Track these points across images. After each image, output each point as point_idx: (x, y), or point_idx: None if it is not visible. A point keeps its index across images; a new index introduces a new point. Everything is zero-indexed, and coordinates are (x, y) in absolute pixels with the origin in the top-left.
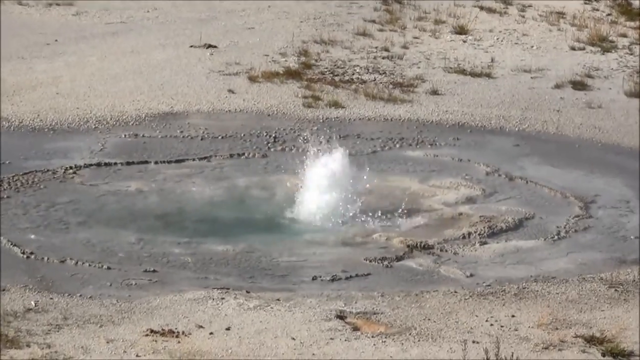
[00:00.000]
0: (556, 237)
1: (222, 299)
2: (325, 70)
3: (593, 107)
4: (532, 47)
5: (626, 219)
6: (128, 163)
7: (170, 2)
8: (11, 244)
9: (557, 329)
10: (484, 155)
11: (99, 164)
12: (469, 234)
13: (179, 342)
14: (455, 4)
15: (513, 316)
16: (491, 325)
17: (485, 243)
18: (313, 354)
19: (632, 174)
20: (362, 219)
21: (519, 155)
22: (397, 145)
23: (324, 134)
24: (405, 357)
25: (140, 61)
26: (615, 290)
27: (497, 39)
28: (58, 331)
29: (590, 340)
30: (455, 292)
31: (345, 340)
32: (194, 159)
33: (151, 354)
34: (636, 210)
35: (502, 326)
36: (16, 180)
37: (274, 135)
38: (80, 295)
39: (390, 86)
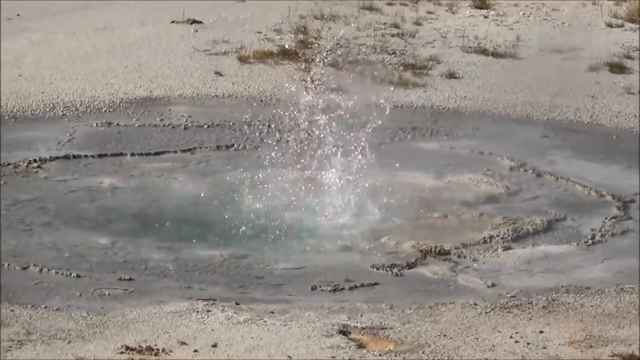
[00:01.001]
0: (590, 241)
1: (208, 311)
2: (326, 49)
3: (633, 92)
4: (563, 23)
5: None
6: (100, 156)
7: None
8: None
9: (591, 346)
10: (508, 147)
11: (67, 157)
12: (491, 237)
13: None
14: None
15: (541, 332)
16: (516, 342)
17: (509, 248)
18: None
19: None
20: (368, 220)
21: (548, 148)
22: (409, 136)
23: (324, 123)
24: None
25: (114, 39)
26: None
27: (523, 14)
28: (20, 348)
29: None
30: (475, 304)
31: (349, 359)
32: (176, 151)
33: None
34: None
35: (528, 343)
36: None
37: (267, 124)
38: (46, 307)
39: (401, 68)
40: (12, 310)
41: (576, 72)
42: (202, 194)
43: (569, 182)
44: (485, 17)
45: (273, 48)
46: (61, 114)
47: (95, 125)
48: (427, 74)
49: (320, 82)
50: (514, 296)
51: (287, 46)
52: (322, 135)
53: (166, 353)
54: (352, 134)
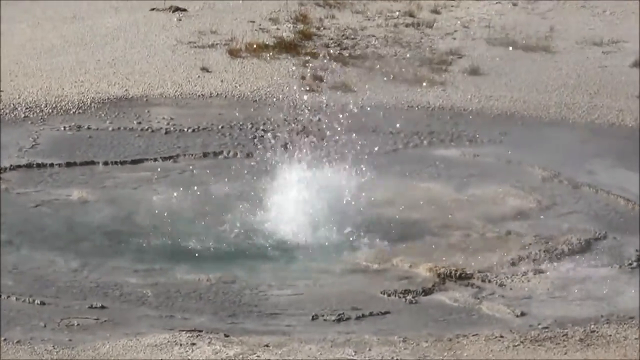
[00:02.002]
0: (635, 263)
1: (193, 344)
2: (330, 41)
3: None
4: (604, 11)
5: None
6: (68, 164)
7: None
8: None
9: None
10: (540, 155)
11: (29, 165)
12: (520, 259)
13: None
14: None
15: None
16: None
17: (541, 272)
18: None
19: None
20: (379, 238)
21: (587, 155)
22: (425, 142)
23: (328, 127)
24: None
25: (85, 29)
26: None
27: (558, 0)
28: None
29: None
30: (502, 336)
31: None
32: (155, 159)
33: None
34: None
35: None
36: None
37: (261, 127)
38: (5, 340)
39: (416, 63)
40: None
41: (619, 68)
42: (186, 209)
43: (610, 195)
44: (514, 4)
45: (269, 40)
46: (23, 115)
47: (62, 128)
48: (447, 70)
49: (323, 80)
50: (546, 327)
51: (285, 38)
52: (325, 141)
53: None
54: (360, 140)
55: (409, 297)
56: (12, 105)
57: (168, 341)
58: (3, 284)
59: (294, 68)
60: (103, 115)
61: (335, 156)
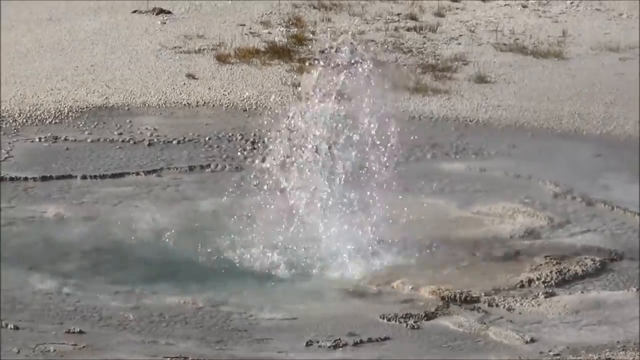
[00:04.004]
0: None
1: None
2: (326, 47)
3: None
4: (621, 14)
5: None
6: (44, 178)
7: None
8: None
9: None
10: (552, 169)
11: (2, 179)
12: (530, 281)
13: None
14: None
15: None
16: None
17: (552, 295)
18: None
19: None
20: (377, 259)
21: (602, 170)
22: (428, 155)
23: (323, 138)
24: None
25: (62, 32)
26: None
27: (571, 3)
28: None
29: None
30: None
31: None
32: (138, 173)
33: None
34: None
35: None
36: None
37: (252, 139)
38: None
39: (419, 70)
40: None
41: (636, 75)
42: (170, 226)
43: (627, 213)
44: (524, 6)
45: (260, 45)
46: None
47: (37, 140)
48: (451, 77)
49: (318, 88)
50: (558, 354)
51: (277, 42)
52: (320, 154)
53: None
54: (357, 153)
55: (411, 321)
56: None
57: None
58: None
59: (286, 75)
60: (81, 125)
61: (331, 170)
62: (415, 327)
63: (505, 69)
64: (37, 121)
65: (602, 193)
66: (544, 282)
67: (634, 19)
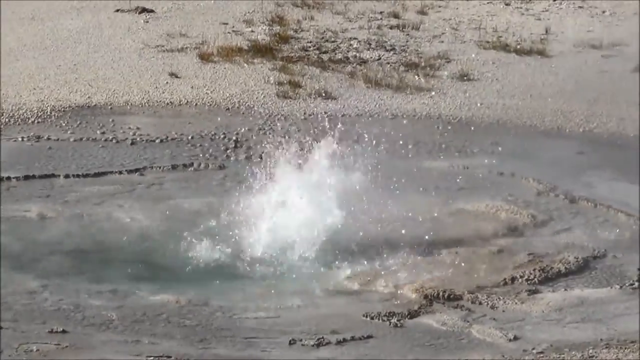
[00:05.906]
0: (636, 283)
1: None
2: (309, 45)
3: None
4: (604, 12)
5: None
6: (27, 177)
7: None
8: None
9: None
10: (535, 167)
11: None
12: (513, 279)
13: None
14: None
15: None
16: None
17: (535, 292)
18: None
19: None
20: (360, 257)
21: (585, 167)
22: (410, 154)
23: (306, 136)
24: None
25: (45, 31)
26: None
27: (554, 0)
28: None
29: None
30: None
31: None
32: (121, 172)
33: None
34: None
35: None
36: None
37: (234, 138)
38: None
39: (402, 68)
40: None
41: (619, 73)
42: (153, 225)
43: (610, 210)
44: (507, 4)
45: (242, 43)
46: None
47: (20, 139)
48: (434, 75)
49: (301, 86)
50: (541, 352)
51: (260, 41)
52: (302, 153)
53: None
54: (340, 151)
55: (394, 320)
56: None
57: None
58: None
59: (269, 73)
60: (64, 124)
61: (313, 167)
62: (399, 325)
63: (488, 66)
64: (19, 120)
65: (585, 190)
66: (527, 280)
67: (617, 17)
